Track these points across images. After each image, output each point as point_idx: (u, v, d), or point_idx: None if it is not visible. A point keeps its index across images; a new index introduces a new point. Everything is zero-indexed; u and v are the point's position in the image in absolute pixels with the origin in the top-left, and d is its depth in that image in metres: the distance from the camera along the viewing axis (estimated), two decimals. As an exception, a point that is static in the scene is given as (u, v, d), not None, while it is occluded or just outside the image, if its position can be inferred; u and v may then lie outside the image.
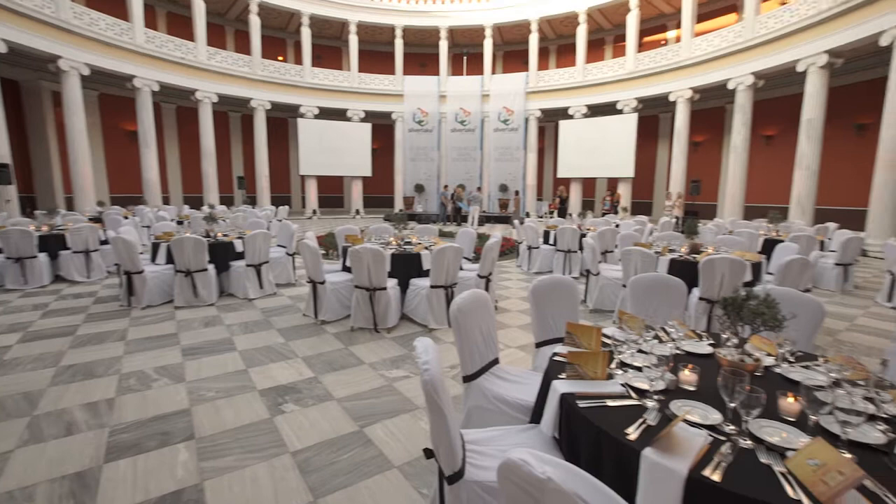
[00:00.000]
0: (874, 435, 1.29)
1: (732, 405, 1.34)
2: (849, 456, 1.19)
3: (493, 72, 19.60)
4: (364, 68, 19.18)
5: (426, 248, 4.85)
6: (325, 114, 18.40)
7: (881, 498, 1.05)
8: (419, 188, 19.12)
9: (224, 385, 3.14)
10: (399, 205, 19.22)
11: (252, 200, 17.36)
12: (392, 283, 4.39)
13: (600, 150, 16.60)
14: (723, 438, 1.29)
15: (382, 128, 19.82)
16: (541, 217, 17.62)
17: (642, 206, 18.27)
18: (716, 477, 1.12)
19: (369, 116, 18.99)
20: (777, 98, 14.10)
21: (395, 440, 2.48)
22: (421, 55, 21.38)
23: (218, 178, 16.37)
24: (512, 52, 21.29)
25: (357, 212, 18.96)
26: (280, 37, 20.38)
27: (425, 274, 4.57)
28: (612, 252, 6.66)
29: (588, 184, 18.84)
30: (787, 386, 1.61)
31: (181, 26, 16.51)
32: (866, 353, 3.93)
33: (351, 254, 4.18)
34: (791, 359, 1.86)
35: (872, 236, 9.39)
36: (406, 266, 4.65)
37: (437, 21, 18.78)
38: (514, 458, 0.87)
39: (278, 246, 6.76)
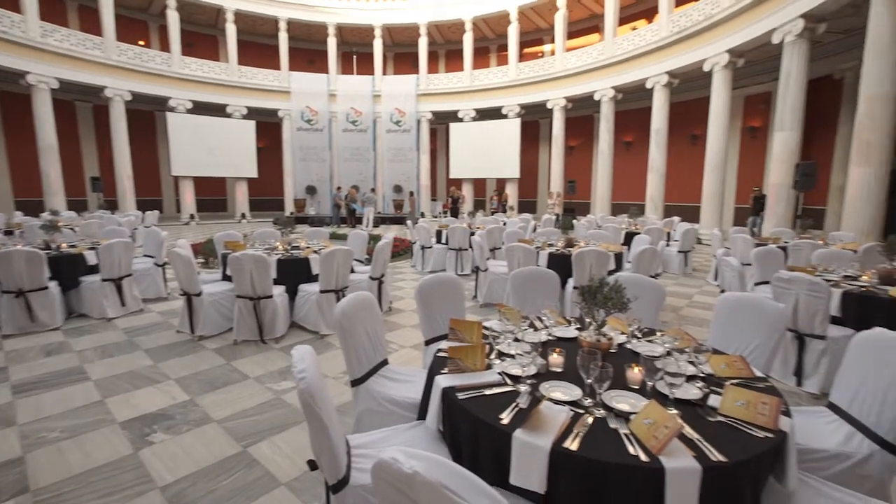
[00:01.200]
0: (693, 392, 1.56)
1: (589, 381, 1.51)
2: (674, 411, 1.42)
3: (385, 72, 19.52)
4: (245, 61, 17.73)
5: (315, 251, 4.66)
6: (202, 108, 16.65)
7: (695, 442, 1.28)
8: (311, 190, 18.30)
9: (71, 422, 2.68)
10: (290, 207, 18.17)
11: (112, 205, 15.00)
12: (279, 291, 4.14)
13: (488, 152, 17.53)
14: (581, 411, 1.45)
15: (268, 126, 18.56)
16: (435, 217, 18.03)
17: (528, 204, 19.70)
18: (574, 446, 1.25)
19: (253, 113, 17.63)
20: (634, 110, 16.21)
21: (283, 456, 2.35)
22: (309, 51, 20.46)
23: (65, 179, 13.86)
24: (402, 54, 21.41)
25: (243, 216, 17.49)
26: (140, 18, 17.93)
27: (315, 279, 4.39)
28: (500, 248, 7.08)
29: (479, 184, 19.75)
30: (633, 359, 1.86)
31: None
32: (699, 325, 4.73)
33: (231, 261, 3.86)
34: (639, 335, 2.15)
35: (704, 227, 11.34)
36: (294, 272, 4.42)
37: (324, 17, 18.11)
38: (385, 458, 0.88)
39: (145, 256, 5.95)
